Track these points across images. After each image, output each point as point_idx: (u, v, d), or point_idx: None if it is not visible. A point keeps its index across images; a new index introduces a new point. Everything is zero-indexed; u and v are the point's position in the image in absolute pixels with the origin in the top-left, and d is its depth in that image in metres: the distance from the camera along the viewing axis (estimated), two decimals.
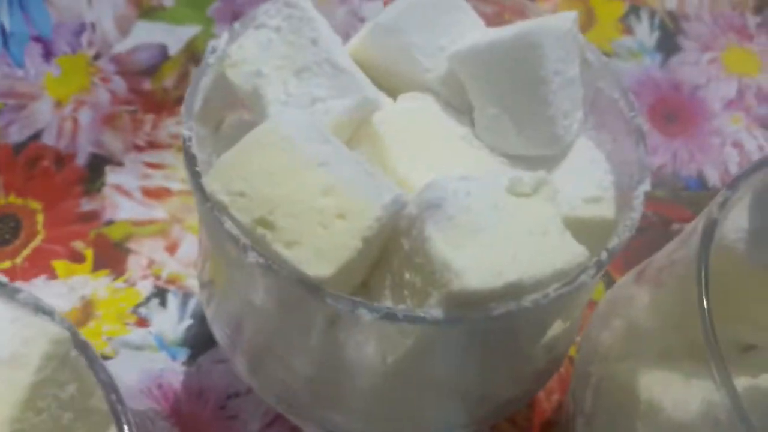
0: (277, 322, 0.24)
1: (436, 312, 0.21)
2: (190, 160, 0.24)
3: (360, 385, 0.25)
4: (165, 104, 0.45)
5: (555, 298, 0.22)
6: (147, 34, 0.47)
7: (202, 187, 0.23)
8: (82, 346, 0.20)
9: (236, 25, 0.29)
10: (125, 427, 0.18)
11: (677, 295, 0.26)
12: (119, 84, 0.45)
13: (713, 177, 0.48)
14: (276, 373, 0.26)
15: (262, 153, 0.24)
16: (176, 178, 0.42)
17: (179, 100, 0.45)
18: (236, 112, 0.31)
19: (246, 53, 0.28)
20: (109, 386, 0.19)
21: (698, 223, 0.26)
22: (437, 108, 0.29)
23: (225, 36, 0.29)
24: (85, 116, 0.44)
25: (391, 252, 0.24)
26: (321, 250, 0.21)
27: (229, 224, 0.22)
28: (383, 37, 0.30)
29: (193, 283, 0.38)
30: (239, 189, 0.22)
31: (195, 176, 0.24)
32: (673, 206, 0.46)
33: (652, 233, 0.44)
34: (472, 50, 0.29)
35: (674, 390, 0.24)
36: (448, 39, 0.31)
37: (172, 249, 0.40)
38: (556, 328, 0.25)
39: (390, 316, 0.21)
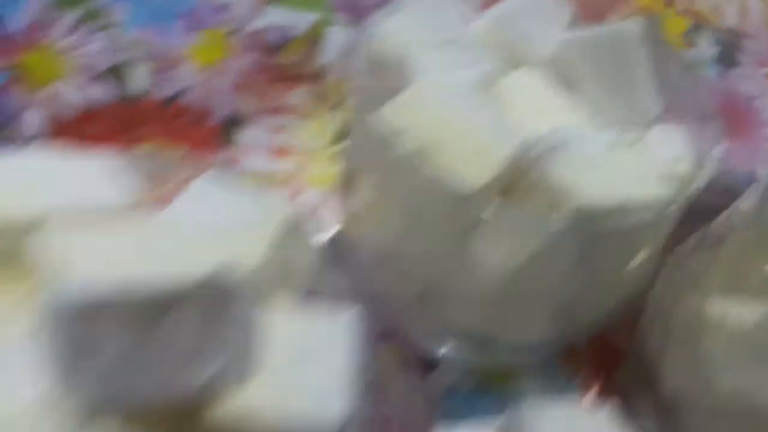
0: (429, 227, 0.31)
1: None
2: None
3: (479, 287, 0.31)
4: (289, 77, 0.52)
5: (652, 220, 0.28)
6: (276, 16, 0.54)
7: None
8: (300, 224, 0.26)
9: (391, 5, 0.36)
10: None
11: (738, 242, 0.32)
12: (251, 58, 0.52)
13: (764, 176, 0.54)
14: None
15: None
16: (298, 139, 0.49)
17: (301, 76, 0.53)
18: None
19: (397, 27, 0.35)
20: (331, 261, 0.25)
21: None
22: (549, 82, 0.36)
23: (384, 13, 0.36)
24: (221, 83, 0.51)
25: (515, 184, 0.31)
26: (474, 167, 0.28)
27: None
28: (504, 24, 0.37)
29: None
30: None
31: None
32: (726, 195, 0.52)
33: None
34: (581, 38, 0.36)
35: (736, 308, 0.30)
36: (553, 28, 0.38)
37: (294, 197, 0.47)
38: (643, 254, 0.31)
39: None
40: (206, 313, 0.19)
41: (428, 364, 0.38)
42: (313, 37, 0.54)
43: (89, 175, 0.25)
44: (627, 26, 0.36)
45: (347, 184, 0.36)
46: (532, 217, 0.28)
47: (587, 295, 0.32)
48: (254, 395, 0.21)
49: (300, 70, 0.52)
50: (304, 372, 0.21)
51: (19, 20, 0.50)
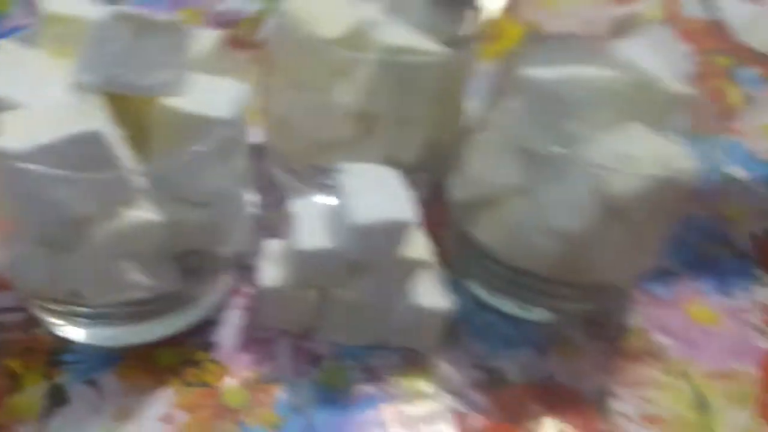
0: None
1: None
2: None
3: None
4: (240, 44, 0.70)
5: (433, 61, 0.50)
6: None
7: None
8: None
9: None
10: None
11: None
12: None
13: None
14: None
15: None
16: None
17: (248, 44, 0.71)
18: None
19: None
20: None
21: None
22: None
23: None
24: None
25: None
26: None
27: None
28: None
29: None
30: None
31: None
32: None
33: None
34: None
35: None
36: None
37: None
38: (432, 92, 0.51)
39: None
40: (171, 40, 0.37)
41: None
42: (258, 18, 0.74)
43: None
44: None
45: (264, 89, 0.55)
46: (371, 58, 0.48)
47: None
48: (182, 98, 0.39)
49: (244, 40, 0.72)
50: (209, 95, 0.40)
51: None
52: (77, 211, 0.38)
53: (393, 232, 0.44)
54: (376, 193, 0.45)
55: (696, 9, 0.86)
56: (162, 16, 0.39)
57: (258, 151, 0.61)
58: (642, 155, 0.42)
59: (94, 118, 0.37)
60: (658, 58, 0.45)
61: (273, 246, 0.50)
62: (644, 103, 0.44)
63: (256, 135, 0.59)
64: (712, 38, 0.83)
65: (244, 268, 0.53)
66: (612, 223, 0.45)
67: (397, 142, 0.54)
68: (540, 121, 0.44)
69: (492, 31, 0.77)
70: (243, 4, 0.75)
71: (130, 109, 0.40)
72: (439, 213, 0.55)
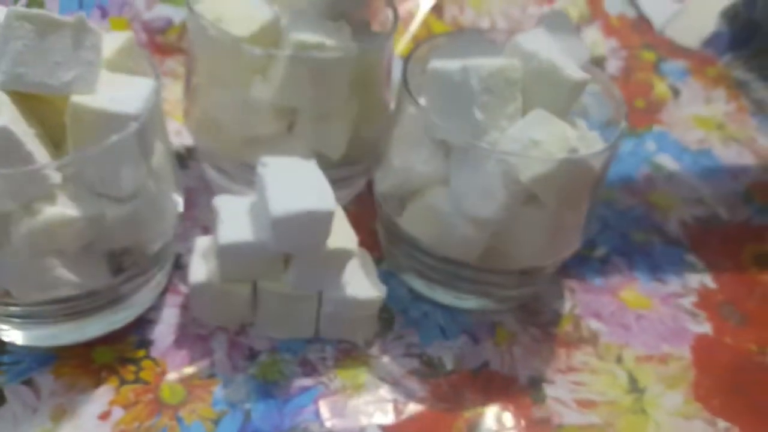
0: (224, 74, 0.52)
1: None
2: None
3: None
4: (166, 50, 0.72)
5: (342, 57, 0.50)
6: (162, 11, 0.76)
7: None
8: None
9: None
10: None
11: None
12: (144, 36, 0.73)
13: None
14: None
15: None
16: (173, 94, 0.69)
17: (174, 50, 0.73)
18: None
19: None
20: None
21: None
22: None
23: None
24: None
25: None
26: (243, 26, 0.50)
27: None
28: None
29: None
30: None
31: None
32: None
33: None
34: None
35: None
36: None
37: None
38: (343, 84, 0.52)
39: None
40: (75, 38, 0.38)
41: None
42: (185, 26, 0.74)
43: None
44: None
45: (188, 89, 0.56)
46: (284, 55, 0.50)
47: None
48: (93, 96, 0.40)
49: (174, 46, 0.74)
50: (120, 93, 0.41)
51: None
52: None
53: (312, 222, 0.45)
54: (295, 185, 0.45)
55: (619, 6, 0.88)
56: (66, 16, 0.40)
57: (193, 152, 0.63)
58: (547, 140, 0.43)
59: (2, 115, 0.38)
60: (558, 48, 0.46)
61: (203, 242, 0.51)
62: (546, 90, 0.46)
63: (190, 136, 0.61)
64: (637, 34, 0.86)
65: (180, 266, 0.54)
66: (526, 209, 0.46)
67: (321, 137, 0.55)
68: (448, 111, 0.46)
69: (420, 31, 0.79)
70: (172, 11, 0.76)
71: (44, 107, 0.41)
72: (373, 207, 0.56)
